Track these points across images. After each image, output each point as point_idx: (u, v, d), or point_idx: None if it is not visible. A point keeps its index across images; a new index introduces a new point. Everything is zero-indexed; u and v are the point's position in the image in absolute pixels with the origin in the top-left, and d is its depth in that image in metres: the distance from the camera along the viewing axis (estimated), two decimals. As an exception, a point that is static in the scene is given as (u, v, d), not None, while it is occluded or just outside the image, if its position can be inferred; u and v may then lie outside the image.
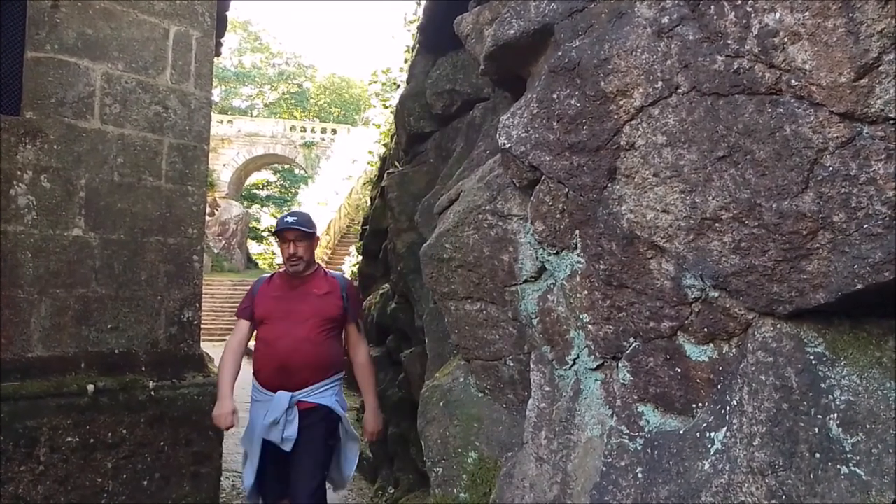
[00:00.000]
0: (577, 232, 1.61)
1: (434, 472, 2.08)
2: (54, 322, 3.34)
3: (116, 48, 3.57)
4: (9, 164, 3.22)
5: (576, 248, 1.63)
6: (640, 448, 1.47)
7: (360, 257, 7.15)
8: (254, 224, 29.51)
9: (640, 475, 1.44)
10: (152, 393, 3.58)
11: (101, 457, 3.39)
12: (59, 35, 3.37)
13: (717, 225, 1.29)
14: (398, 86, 7.35)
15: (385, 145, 6.93)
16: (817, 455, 1.14)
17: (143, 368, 3.63)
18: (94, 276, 3.49)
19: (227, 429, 2.80)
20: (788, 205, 1.18)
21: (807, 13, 1.12)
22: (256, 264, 27.44)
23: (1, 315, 3.15)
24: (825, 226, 1.14)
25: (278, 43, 50.11)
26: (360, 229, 7.92)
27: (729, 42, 1.24)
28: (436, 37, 3.79)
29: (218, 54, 4.76)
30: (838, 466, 1.11)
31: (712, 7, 1.27)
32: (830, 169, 1.12)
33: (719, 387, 1.36)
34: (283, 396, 2.58)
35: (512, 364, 1.97)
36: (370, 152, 9.00)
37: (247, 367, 2.90)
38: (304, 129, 29.77)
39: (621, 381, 1.54)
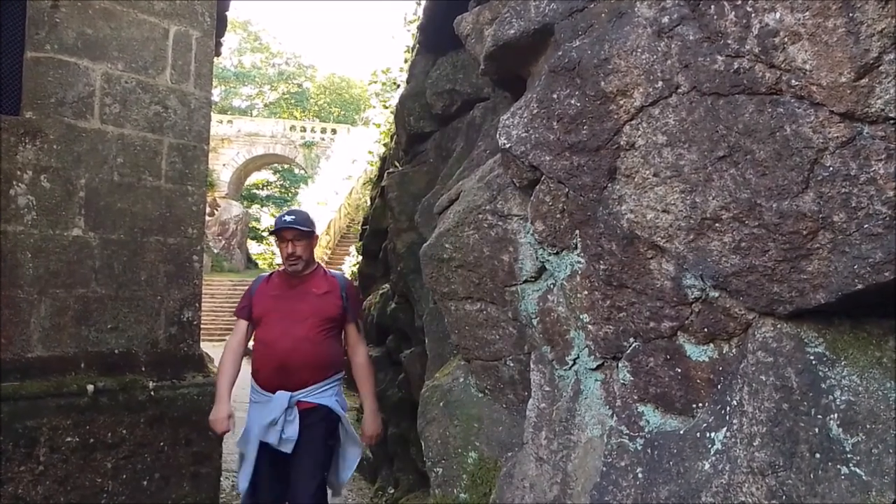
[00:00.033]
0: (577, 232, 1.61)
1: (434, 473, 2.08)
2: (54, 322, 3.33)
3: (116, 48, 3.57)
4: (9, 164, 3.22)
5: (576, 248, 1.63)
6: (640, 448, 1.47)
7: (360, 257, 7.15)
8: (254, 224, 29.52)
9: (640, 475, 1.44)
10: (152, 393, 3.58)
11: (101, 457, 3.39)
12: (58, 35, 3.37)
13: (717, 225, 1.29)
14: (398, 86, 7.35)
15: (385, 145, 6.93)
16: (817, 455, 1.14)
17: (143, 368, 3.63)
18: (94, 276, 3.49)
19: (223, 433, 2.79)
20: (789, 205, 1.17)
21: (807, 13, 1.12)
22: (256, 264, 27.43)
23: (1, 315, 3.15)
24: (825, 226, 1.14)
25: (278, 43, 50.18)
26: (360, 229, 7.92)
27: (729, 42, 1.24)
28: (436, 37, 3.79)
29: (218, 54, 4.76)
30: (838, 466, 1.11)
31: (712, 7, 1.27)
32: (831, 169, 1.12)
33: (719, 387, 1.36)
34: (283, 396, 2.56)
35: (512, 364, 1.97)
36: (370, 152, 9.00)
37: (247, 367, 2.88)
38: (303, 129, 29.77)
39: (621, 381, 1.54)
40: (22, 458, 3.12)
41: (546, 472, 1.70)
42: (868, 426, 1.11)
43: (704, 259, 1.32)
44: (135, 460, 3.51)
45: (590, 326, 1.61)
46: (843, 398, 1.14)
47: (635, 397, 1.51)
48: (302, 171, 30.41)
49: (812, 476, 1.13)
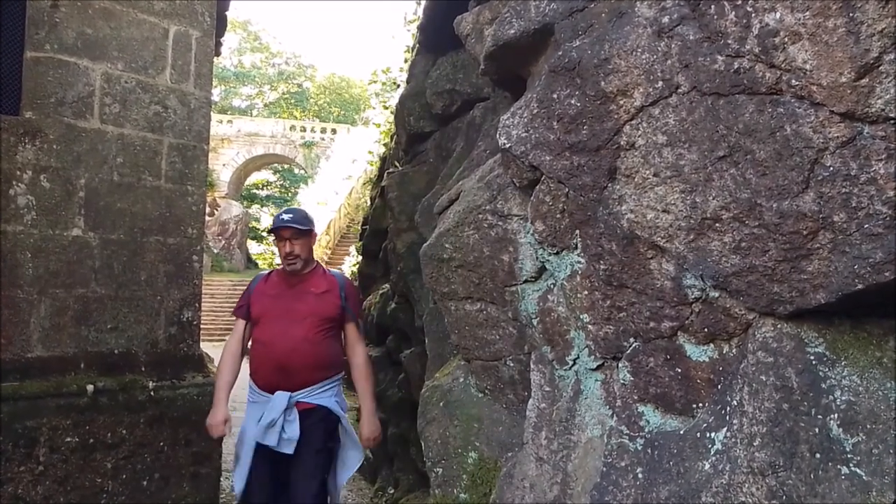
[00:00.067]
0: (578, 232, 1.61)
1: (434, 473, 2.08)
2: (54, 322, 3.33)
3: (116, 48, 3.57)
4: (8, 164, 3.22)
5: (576, 248, 1.63)
6: (640, 448, 1.47)
7: (360, 257, 7.15)
8: (253, 224, 29.51)
9: (640, 475, 1.44)
10: (152, 393, 3.58)
11: (101, 457, 3.39)
12: (58, 35, 3.37)
13: (717, 225, 1.29)
14: (398, 86, 7.35)
15: (385, 145, 6.93)
16: (818, 455, 1.14)
17: (143, 368, 3.63)
18: (94, 276, 3.49)
19: (220, 438, 2.76)
20: (789, 205, 1.17)
21: (807, 13, 1.12)
22: (256, 264, 27.42)
23: (1, 315, 3.15)
24: (826, 226, 1.14)
25: (278, 43, 50.21)
26: (360, 229, 7.92)
27: (729, 42, 1.24)
28: (436, 36, 3.79)
29: (218, 54, 4.76)
30: (839, 467, 1.11)
31: (713, 7, 1.27)
32: (831, 169, 1.12)
33: (720, 387, 1.35)
34: (282, 397, 2.53)
35: (512, 364, 1.97)
36: (370, 152, 8.99)
37: (246, 367, 2.86)
38: (303, 129, 29.77)
39: (621, 382, 1.54)
40: (22, 458, 3.12)
41: (546, 472, 1.70)
42: (868, 426, 1.10)
43: (705, 259, 1.32)
44: (135, 460, 3.50)
45: (590, 326, 1.61)
46: (844, 398, 1.14)
47: (635, 397, 1.50)
48: (302, 171, 30.42)
49: (812, 476, 1.13)
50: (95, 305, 3.49)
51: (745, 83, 1.22)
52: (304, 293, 2.69)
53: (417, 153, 4.09)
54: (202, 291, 4.11)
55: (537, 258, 1.79)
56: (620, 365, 1.54)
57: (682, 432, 1.40)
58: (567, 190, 1.60)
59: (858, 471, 1.09)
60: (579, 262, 1.62)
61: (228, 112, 34.13)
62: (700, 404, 1.39)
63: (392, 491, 4.28)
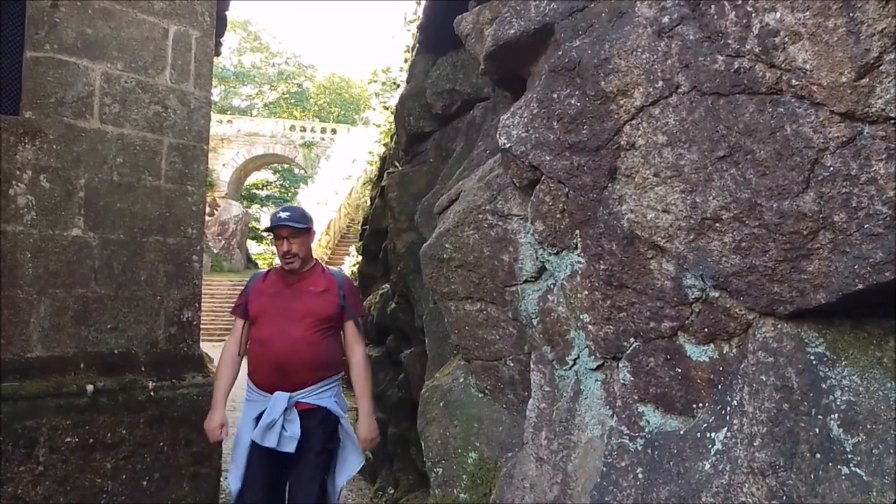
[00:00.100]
0: (578, 232, 1.61)
1: (434, 473, 2.08)
2: (53, 322, 3.33)
3: (116, 48, 3.57)
4: (8, 164, 3.21)
5: (576, 248, 1.63)
6: (640, 448, 1.47)
7: (360, 257, 7.14)
8: (253, 224, 29.50)
9: (640, 475, 1.44)
10: (152, 393, 3.57)
11: (101, 457, 3.38)
12: (58, 35, 3.36)
13: (717, 225, 1.29)
14: (398, 85, 7.35)
15: (385, 145, 6.93)
16: (818, 455, 1.14)
17: (143, 368, 3.63)
18: (94, 276, 3.49)
19: (216, 442, 2.73)
20: (789, 205, 1.17)
21: (807, 13, 1.12)
22: (256, 264, 27.42)
23: (0, 315, 3.15)
24: (826, 226, 1.14)
25: (278, 42, 50.22)
26: (360, 229, 7.91)
27: (729, 42, 1.24)
28: (436, 36, 3.79)
29: (217, 54, 4.76)
30: (839, 467, 1.11)
31: (713, 7, 1.27)
32: (831, 169, 1.12)
33: (720, 387, 1.35)
34: (282, 397, 2.51)
35: (512, 364, 1.97)
36: (370, 152, 8.99)
37: (245, 366, 2.84)
38: (303, 129, 29.77)
39: (622, 382, 1.54)
40: (21, 458, 3.12)
41: (546, 472, 1.69)
42: (869, 426, 1.10)
43: (705, 259, 1.32)
44: (134, 460, 3.50)
45: (590, 326, 1.60)
46: (844, 398, 1.14)
47: (635, 397, 1.50)
48: (302, 171, 30.42)
49: (812, 476, 1.13)
50: (95, 305, 3.49)
51: (746, 83, 1.22)
52: (303, 292, 2.66)
53: (417, 153, 4.09)
54: (202, 291, 4.10)
55: (537, 258, 1.78)
56: (620, 365, 1.54)
57: (682, 432, 1.40)
58: (567, 190, 1.60)
59: (859, 471, 1.09)
60: (579, 262, 1.62)
61: (228, 112, 34.13)
62: (700, 404, 1.39)
63: (392, 491, 4.28)
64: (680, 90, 1.33)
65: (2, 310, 3.15)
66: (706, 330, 1.37)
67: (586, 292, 1.60)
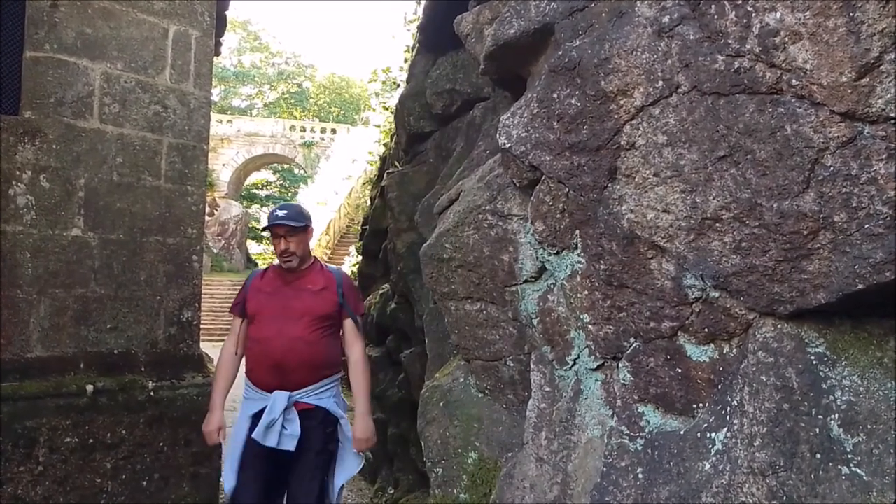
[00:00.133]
0: (578, 232, 1.61)
1: (434, 473, 2.08)
2: (53, 322, 3.33)
3: (115, 48, 3.57)
4: (8, 164, 3.21)
5: (576, 248, 1.63)
6: (640, 448, 1.47)
7: (360, 257, 7.15)
8: (253, 224, 29.49)
9: (640, 476, 1.44)
10: (151, 393, 3.57)
11: (101, 457, 3.38)
12: (58, 34, 3.36)
13: (717, 225, 1.29)
14: (398, 85, 7.35)
15: (385, 145, 6.93)
16: (818, 455, 1.14)
17: (143, 369, 3.63)
18: (94, 276, 3.48)
19: (213, 445, 2.71)
20: (789, 205, 1.17)
21: (808, 13, 1.12)
22: (256, 264, 27.38)
23: (0, 315, 3.15)
24: (826, 226, 1.14)
25: (278, 42, 50.23)
26: (360, 229, 7.91)
27: (730, 41, 1.24)
28: (436, 36, 3.79)
29: (217, 54, 4.75)
30: (839, 467, 1.11)
31: (713, 6, 1.27)
32: (831, 169, 1.12)
33: (720, 387, 1.35)
34: (282, 396, 2.50)
35: (512, 364, 1.96)
36: (370, 152, 9.00)
37: (243, 365, 2.82)
38: (303, 129, 29.77)
39: (622, 382, 1.53)
40: (21, 458, 3.12)
41: (546, 472, 1.69)
42: (869, 426, 1.10)
43: (705, 259, 1.32)
44: (134, 461, 3.50)
45: (590, 326, 1.60)
46: (844, 398, 1.14)
47: (636, 397, 1.50)
48: (302, 171, 30.42)
49: (813, 476, 1.13)
50: (95, 305, 3.49)
51: (746, 83, 1.22)
52: (301, 290, 2.63)
53: (417, 153, 4.09)
54: (202, 291, 4.10)
55: (537, 258, 1.78)
56: (621, 365, 1.54)
57: (682, 432, 1.40)
58: (567, 190, 1.60)
59: (859, 471, 1.09)
60: (579, 262, 1.62)
61: (228, 112, 34.13)
62: (700, 404, 1.39)
63: (392, 491, 4.28)
64: (680, 90, 1.33)
65: (2, 310, 3.15)
66: (706, 330, 1.37)
67: (586, 292, 1.60)
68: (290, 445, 2.46)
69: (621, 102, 1.44)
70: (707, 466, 1.31)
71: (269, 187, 34.70)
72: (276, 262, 2.74)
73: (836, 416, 1.13)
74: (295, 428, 2.47)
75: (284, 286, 2.65)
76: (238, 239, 26.28)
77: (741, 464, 1.23)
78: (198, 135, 3.94)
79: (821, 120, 1.12)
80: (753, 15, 1.20)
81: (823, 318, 1.21)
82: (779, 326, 1.25)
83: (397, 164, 4.60)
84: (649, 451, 1.45)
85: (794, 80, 1.15)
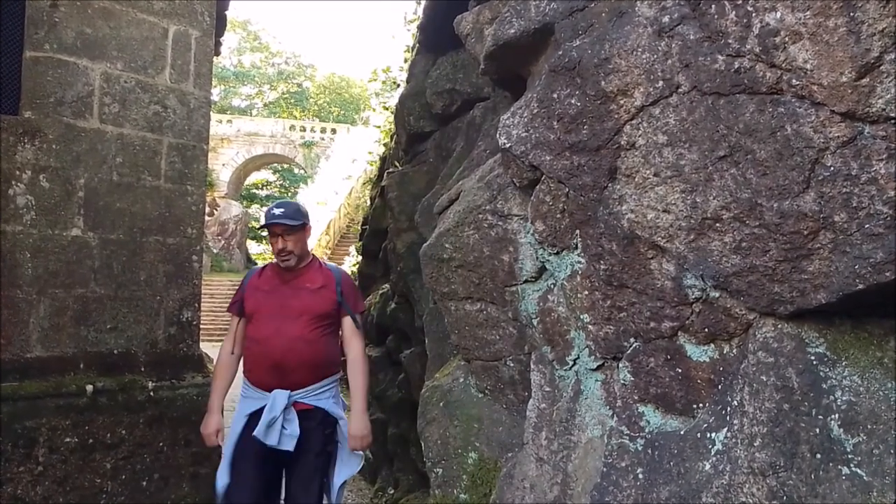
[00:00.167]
0: (578, 232, 1.61)
1: (434, 473, 2.08)
2: (53, 322, 3.33)
3: (115, 47, 3.57)
4: (7, 164, 3.21)
5: (576, 248, 1.63)
6: (640, 448, 1.47)
7: (360, 257, 7.14)
8: (253, 224, 29.46)
9: (640, 476, 1.44)
10: (151, 393, 3.57)
11: (100, 457, 3.38)
12: (57, 34, 3.36)
13: (717, 225, 1.29)
14: (398, 85, 7.35)
15: (385, 145, 6.93)
16: (818, 456, 1.14)
17: (143, 369, 3.63)
18: (93, 276, 3.48)
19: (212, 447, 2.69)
20: (789, 205, 1.17)
21: (808, 12, 1.12)
22: (256, 264, 27.35)
23: (0, 315, 3.14)
24: (826, 226, 1.13)
25: (278, 42, 50.27)
26: (359, 229, 7.91)
27: (730, 41, 1.24)
28: (436, 36, 3.79)
29: (217, 53, 4.75)
30: (839, 467, 1.11)
31: (713, 6, 1.27)
32: (832, 169, 1.12)
33: (720, 387, 1.35)
34: (282, 394, 2.47)
35: (512, 364, 1.96)
36: (370, 152, 9.00)
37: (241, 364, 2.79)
38: (303, 129, 29.77)
39: (622, 382, 1.53)
40: (21, 458, 3.12)
41: (546, 472, 1.69)
42: (869, 426, 1.10)
43: (705, 259, 1.32)
44: (134, 461, 3.50)
45: (590, 326, 1.60)
46: (844, 398, 1.14)
47: (636, 397, 1.50)
48: (302, 171, 30.42)
49: (813, 476, 1.13)
50: (95, 305, 3.48)
51: (746, 83, 1.21)
52: (300, 289, 2.60)
53: (417, 153, 4.09)
54: (202, 291, 4.10)
55: (537, 258, 1.78)
56: (621, 365, 1.54)
57: (682, 432, 1.40)
58: (567, 190, 1.60)
59: (859, 471, 1.09)
60: (579, 262, 1.62)
61: (228, 112, 34.13)
62: (700, 404, 1.39)
63: (392, 491, 4.28)
64: (680, 90, 1.33)
65: (1, 310, 3.15)
66: (706, 330, 1.37)
67: (586, 292, 1.60)
68: (289, 446, 2.45)
69: (621, 102, 1.44)
70: (707, 466, 1.31)
71: (268, 187, 34.71)
72: (275, 259, 2.69)
73: (837, 416, 1.13)
74: (294, 428, 2.46)
75: (282, 285, 2.63)
76: (238, 239, 26.28)
77: (741, 464, 1.23)
78: (197, 135, 3.94)
79: (821, 120, 1.12)
80: (753, 15, 1.20)
81: (824, 318, 1.21)
82: (779, 326, 1.25)
83: (397, 164, 4.60)
84: (649, 451, 1.44)
85: (794, 80, 1.15)
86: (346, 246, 17.15)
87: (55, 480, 3.22)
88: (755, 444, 1.21)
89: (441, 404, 2.15)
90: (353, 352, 2.69)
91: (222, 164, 27.53)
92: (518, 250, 1.85)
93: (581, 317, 1.63)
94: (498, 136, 1.78)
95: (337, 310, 2.64)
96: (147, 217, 3.69)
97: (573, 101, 1.54)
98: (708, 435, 1.34)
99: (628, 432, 1.50)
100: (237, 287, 2.79)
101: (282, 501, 2.62)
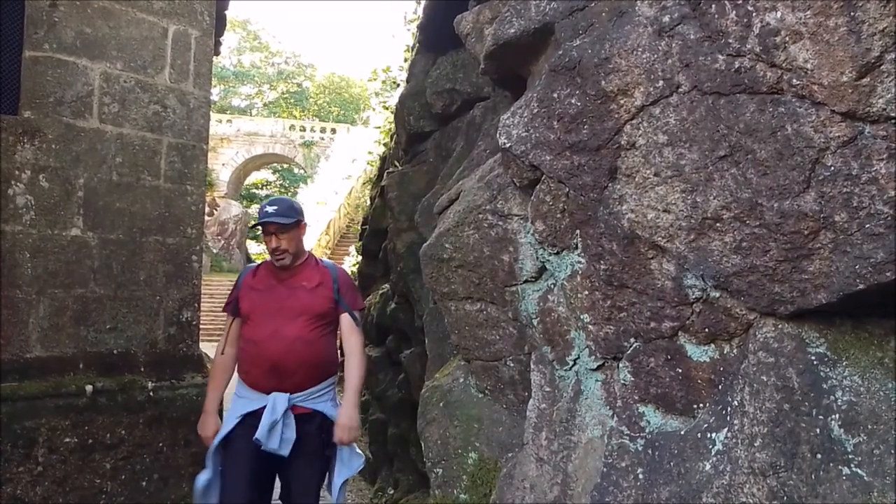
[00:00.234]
0: (578, 232, 1.60)
1: (434, 473, 2.08)
2: (53, 322, 3.33)
3: (115, 47, 3.56)
4: (7, 164, 3.21)
5: (576, 247, 1.62)
6: (640, 449, 1.47)
7: (360, 257, 7.14)
8: (253, 223, 29.49)
9: (640, 476, 1.44)
10: (151, 393, 3.57)
11: (100, 457, 3.38)
12: (57, 34, 3.36)
13: (718, 225, 1.29)
14: (398, 85, 7.34)
15: (385, 145, 6.93)
16: (819, 456, 1.13)
17: (142, 369, 3.63)
18: (93, 276, 3.48)
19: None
20: (790, 204, 1.17)
21: (808, 12, 1.12)
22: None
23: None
24: (827, 225, 1.13)
25: (277, 42, 50.20)
26: (359, 229, 7.91)
27: (730, 41, 1.24)
28: (436, 36, 3.79)
29: (217, 53, 4.75)
30: (840, 467, 1.11)
31: (713, 6, 1.27)
32: (832, 168, 1.12)
33: (720, 387, 1.35)
34: (282, 397, 2.43)
35: (512, 364, 1.96)
36: (370, 152, 8.99)
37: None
38: (303, 129, 29.77)
39: (622, 382, 1.53)
40: (20, 458, 3.12)
41: (546, 472, 1.69)
42: (870, 427, 1.10)
43: (705, 259, 1.32)
44: (134, 461, 3.50)
45: (590, 326, 1.60)
46: (845, 398, 1.14)
47: (636, 398, 1.50)
48: (301, 171, 30.42)
49: (813, 477, 1.13)
50: (94, 305, 3.48)
51: (746, 82, 1.21)
52: (296, 288, 2.53)
53: (417, 153, 4.09)
54: (201, 291, 4.10)
55: (537, 258, 1.78)
56: (621, 365, 1.54)
57: (682, 433, 1.40)
58: (567, 190, 1.59)
59: (860, 471, 1.09)
60: (579, 262, 1.62)
61: (228, 111, 34.12)
62: (701, 405, 1.39)
63: (392, 491, 4.28)
64: (680, 90, 1.33)
65: (1, 310, 3.14)
66: (707, 330, 1.37)
67: (586, 292, 1.60)
68: (285, 451, 2.41)
69: (621, 102, 1.44)
70: (707, 467, 1.31)
71: (268, 187, 34.71)
72: (270, 258, 2.63)
73: (837, 416, 1.13)
74: (291, 433, 2.42)
75: (278, 284, 2.57)
76: (237, 239, 26.28)
77: (742, 464, 1.23)
78: (197, 134, 3.93)
79: (821, 120, 1.12)
80: (754, 14, 1.20)
81: (824, 318, 1.21)
82: (779, 326, 1.25)
83: (397, 164, 4.60)
84: (650, 451, 1.44)
85: (794, 80, 1.15)
86: (346, 246, 17.14)
87: (55, 481, 3.22)
88: (755, 445, 1.21)
89: (441, 404, 2.15)
90: (352, 346, 2.62)
91: (222, 164, 27.52)
92: (518, 250, 1.85)
93: (581, 317, 1.62)
94: (498, 135, 1.77)
95: (334, 307, 2.58)
96: (147, 217, 3.69)
97: (573, 101, 1.54)
98: (708, 435, 1.33)
99: (628, 432, 1.50)
100: (234, 287, 2.76)
101: (277, 502, 2.61)
